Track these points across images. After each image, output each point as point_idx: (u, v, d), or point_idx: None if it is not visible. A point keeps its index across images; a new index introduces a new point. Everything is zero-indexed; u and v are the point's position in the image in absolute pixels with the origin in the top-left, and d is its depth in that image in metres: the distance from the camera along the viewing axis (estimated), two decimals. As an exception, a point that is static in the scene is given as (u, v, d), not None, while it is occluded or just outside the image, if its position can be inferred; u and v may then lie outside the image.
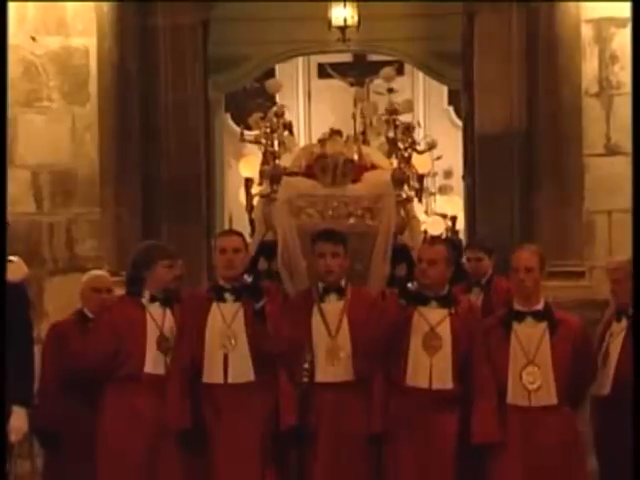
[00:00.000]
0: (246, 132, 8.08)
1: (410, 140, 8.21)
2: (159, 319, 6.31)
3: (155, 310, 6.32)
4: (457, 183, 10.60)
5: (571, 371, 5.97)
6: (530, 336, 5.97)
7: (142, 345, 6.21)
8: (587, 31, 9.26)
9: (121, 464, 6.11)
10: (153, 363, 6.21)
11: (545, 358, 5.93)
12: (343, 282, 6.18)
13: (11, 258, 6.08)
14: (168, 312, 6.34)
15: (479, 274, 7.40)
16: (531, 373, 5.92)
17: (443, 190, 16.74)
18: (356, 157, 7.20)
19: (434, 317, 6.01)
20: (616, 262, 7.15)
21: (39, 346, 6.80)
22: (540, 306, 6.06)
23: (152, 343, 6.24)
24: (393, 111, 8.51)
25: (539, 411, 5.89)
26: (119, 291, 7.22)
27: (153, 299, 6.31)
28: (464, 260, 7.61)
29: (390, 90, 11.36)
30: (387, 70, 10.15)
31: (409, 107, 9.87)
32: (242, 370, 6.06)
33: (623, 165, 9.09)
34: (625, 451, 6.04)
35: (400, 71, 12.78)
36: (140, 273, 6.35)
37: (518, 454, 5.85)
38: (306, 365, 5.95)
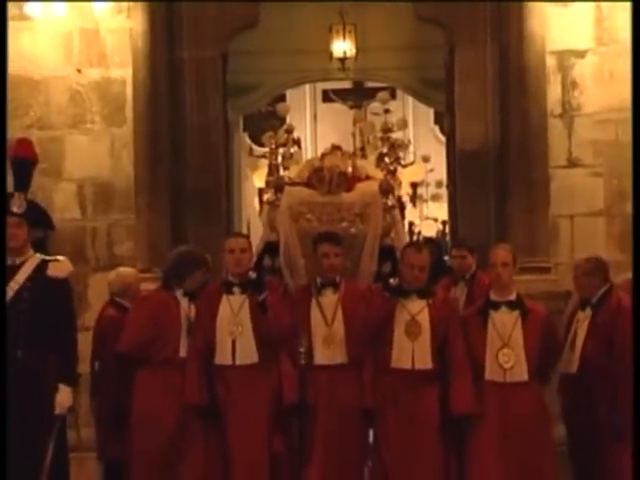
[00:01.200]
0: (256, 148, 7.78)
1: (395, 156, 8.12)
2: (189, 311, 6.23)
3: (185, 304, 6.25)
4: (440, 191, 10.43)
5: (539, 352, 5.99)
6: (504, 322, 5.96)
7: (178, 333, 6.15)
8: (551, 61, 9.10)
9: (154, 432, 6.03)
10: (184, 349, 6.14)
11: (517, 341, 5.92)
12: (338, 278, 6.10)
13: (58, 257, 6.14)
14: (192, 306, 6.24)
15: (464, 270, 7.28)
16: (506, 354, 5.91)
17: (435, 198, 17.13)
18: (350, 170, 7.14)
19: (414, 307, 5.94)
20: (576, 260, 7.17)
21: (83, 333, 6.76)
22: (513, 297, 6.05)
23: (184, 332, 6.16)
24: (387, 129, 8.50)
25: (512, 386, 5.88)
26: (148, 286, 7.28)
27: (185, 294, 6.23)
28: (450, 257, 7.63)
29: (386, 111, 11.25)
30: (382, 94, 10.18)
31: (404, 124, 10.21)
32: (247, 353, 5.98)
33: (582, 176, 9.11)
34: (588, 421, 6.24)
35: (392, 96, 12.59)
36: (183, 274, 6.29)
37: (494, 423, 5.83)
38: (302, 349, 5.86)
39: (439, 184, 15.18)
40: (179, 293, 6.22)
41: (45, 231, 6.57)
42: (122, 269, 7.66)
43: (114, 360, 6.32)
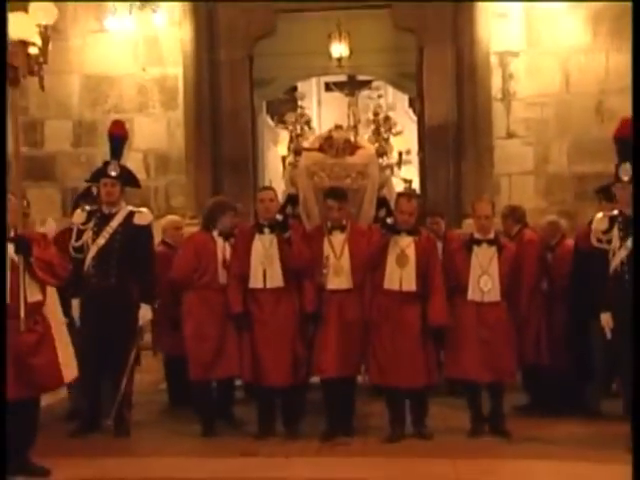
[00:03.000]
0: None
1: (388, 126, 8.03)
2: (223, 248, 5.93)
3: (220, 242, 5.95)
4: (414, 158, 10.43)
5: (509, 280, 5.74)
6: (485, 255, 5.71)
7: (214, 264, 5.87)
8: (494, 59, 8.99)
9: (203, 330, 5.82)
10: (221, 276, 5.86)
11: (494, 270, 5.68)
12: (344, 221, 5.85)
13: (142, 209, 6.04)
14: (227, 244, 5.96)
15: (438, 232, 6.80)
16: (485, 280, 5.67)
17: (405, 162, 16.74)
18: (352, 139, 6.96)
19: (404, 243, 5.69)
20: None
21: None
22: (492, 236, 5.79)
23: (220, 263, 5.89)
24: (376, 112, 9.07)
25: (488, 304, 5.67)
26: (192, 229, 6.91)
27: (220, 234, 5.95)
28: (427, 224, 7.04)
29: (379, 96, 11.27)
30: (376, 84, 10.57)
31: (394, 106, 10.71)
32: (275, 279, 5.76)
33: (517, 145, 9.04)
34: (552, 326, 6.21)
35: (376, 87, 12.70)
36: (215, 217, 6.00)
37: (474, 330, 5.65)
38: (325, 271, 5.72)
39: (408, 152, 15.16)
40: (215, 233, 5.93)
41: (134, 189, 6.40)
42: (170, 217, 7.44)
43: (166, 284, 6.06)
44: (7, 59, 5.13)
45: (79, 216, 5.96)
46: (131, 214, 5.89)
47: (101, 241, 5.78)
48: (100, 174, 5.92)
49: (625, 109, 7.88)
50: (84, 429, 5.73)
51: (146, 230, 5.95)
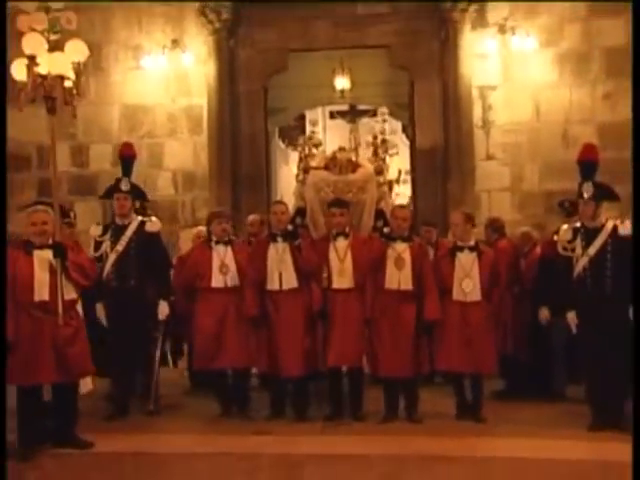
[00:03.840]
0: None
1: (385, 148, 8.00)
2: (222, 254, 5.70)
3: (221, 248, 5.72)
4: (407, 177, 10.39)
5: (488, 281, 5.69)
6: (466, 260, 5.65)
7: (210, 269, 5.68)
8: (475, 92, 8.86)
9: (204, 327, 5.70)
10: (215, 280, 5.68)
11: (475, 274, 5.63)
12: (347, 229, 5.79)
13: (152, 218, 5.97)
14: (229, 248, 5.73)
15: (430, 239, 6.79)
16: (466, 282, 5.61)
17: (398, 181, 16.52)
18: (353, 159, 6.95)
19: (400, 248, 5.65)
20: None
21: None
22: (472, 243, 5.73)
23: (216, 268, 5.69)
24: (375, 136, 8.73)
25: (470, 304, 5.61)
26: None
27: (217, 242, 5.76)
28: (421, 232, 7.00)
29: (384, 120, 11.19)
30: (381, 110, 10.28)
31: (396, 130, 10.71)
32: (290, 281, 5.67)
33: (495, 166, 8.89)
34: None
35: (375, 114, 12.21)
36: (209, 228, 5.88)
37: (458, 327, 5.59)
38: (325, 275, 5.67)
39: (400, 172, 15.10)
40: (213, 241, 5.74)
41: (142, 202, 6.32)
42: (199, 227, 7.18)
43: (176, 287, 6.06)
44: (46, 91, 5.17)
45: (95, 230, 5.91)
46: (142, 223, 5.83)
47: (119, 248, 5.72)
48: (113, 190, 5.85)
49: (586, 136, 8.11)
50: (117, 413, 5.67)
51: (157, 236, 5.90)
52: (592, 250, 5.25)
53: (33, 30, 5.26)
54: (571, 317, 5.37)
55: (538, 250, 6.38)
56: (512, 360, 6.10)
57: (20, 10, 5.49)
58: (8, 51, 6.30)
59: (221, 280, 5.67)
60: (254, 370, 5.93)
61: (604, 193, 5.30)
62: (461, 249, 5.65)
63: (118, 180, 5.83)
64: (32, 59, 5.22)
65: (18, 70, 5.39)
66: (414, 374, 5.55)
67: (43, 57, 5.19)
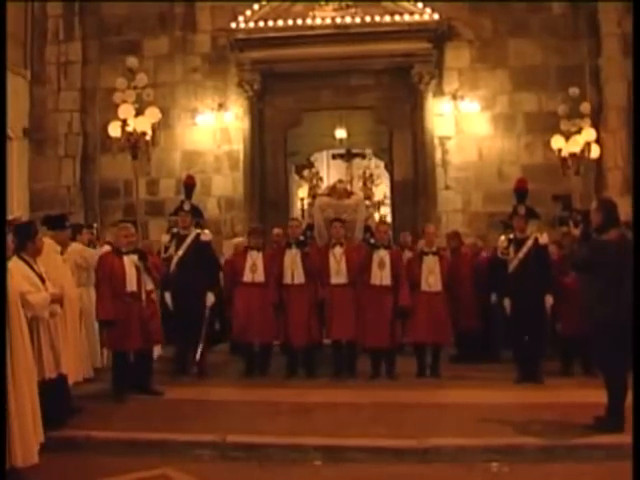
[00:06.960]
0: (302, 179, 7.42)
1: (371, 180, 7.93)
2: (253, 257, 5.69)
3: (252, 253, 5.72)
4: (388, 201, 10.29)
5: (446, 276, 5.69)
6: (431, 261, 5.65)
7: (243, 269, 5.67)
8: (436, 141, 8.86)
9: (238, 310, 5.67)
10: (245, 276, 5.69)
11: (437, 271, 5.63)
12: (343, 240, 5.74)
13: (205, 231, 5.83)
14: (260, 254, 5.73)
15: (406, 243, 6.75)
16: (432, 278, 5.61)
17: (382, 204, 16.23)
18: (348, 188, 7.14)
19: (382, 254, 5.60)
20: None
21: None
22: (435, 249, 5.75)
23: (248, 267, 5.68)
24: (364, 172, 8.53)
25: (434, 293, 5.60)
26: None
27: (251, 249, 5.74)
28: (399, 239, 6.98)
29: (370, 159, 11.11)
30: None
31: (379, 167, 9.94)
32: (299, 278, 5.66)
33: (452, 194, 8.84)
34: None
35: (364, 156, 12.22)
36: (249, 237, 5.89)
37: (425, 310, 5.57)
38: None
39: (385, 197, 14.98)
40: (250, 248, 5.72)
41: (198, 218, 6.13)
42: (239, 238, 7.24)
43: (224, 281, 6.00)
44: (131, 143, 5.30)
45: (165, 238, 5.92)
46: (198, 234, 5.78)
47: (180, 253, 5.71)
48: (178, 209, 5.87)
49: (515, 173, 8.20)
50: (179, 372, 5.70)
51: (209, 244, 5.85)
52: (521, 254, 5.38)
53: (125, 102, 5.47)
54: (507, 303, 5.41)
55: (483, 254, 6.48)
56: (463, 333, 6.14)
57: (115, 88, 5.70)
58: (106, 116, 6.35)
59: (250, 277, 5.68)
60: (275, 342, 5.89)
61: (531, 213, 5.46)
62: (427, 253, 5.68)
63: (182, 202, 5.86)
64: (124, 122, 5.48)
65: (113, 129, 5.63)
66: (392, 345, 5.57)
67: (131, 120, 5.40)
